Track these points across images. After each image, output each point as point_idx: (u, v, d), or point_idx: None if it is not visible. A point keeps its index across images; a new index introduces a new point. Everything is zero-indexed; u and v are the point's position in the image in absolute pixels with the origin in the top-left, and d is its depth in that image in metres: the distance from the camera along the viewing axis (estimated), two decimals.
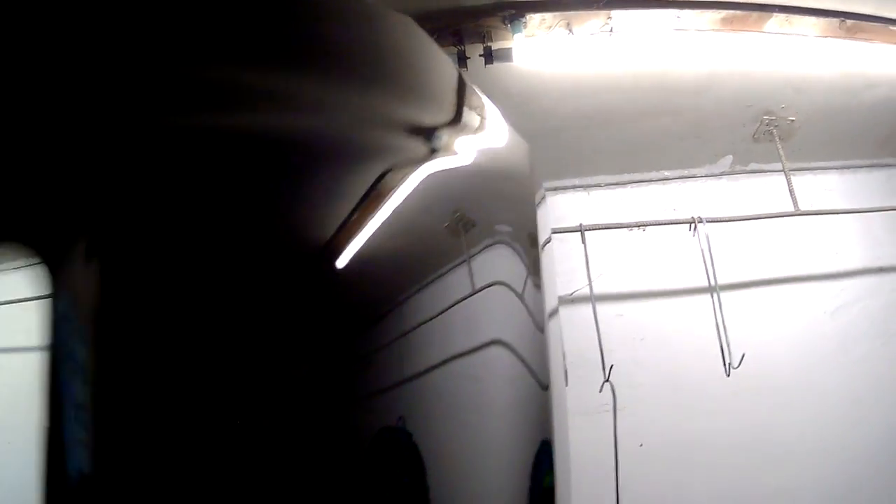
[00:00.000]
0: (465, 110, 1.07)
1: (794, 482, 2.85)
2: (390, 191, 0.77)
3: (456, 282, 0.85)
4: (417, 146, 0.87)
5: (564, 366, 2.53)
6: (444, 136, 0.93)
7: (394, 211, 0.76)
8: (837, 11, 2.43)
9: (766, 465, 2.86)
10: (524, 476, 0.88)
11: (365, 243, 0.70)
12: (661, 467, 2.80)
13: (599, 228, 2.87)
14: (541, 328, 1.01)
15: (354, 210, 0.71)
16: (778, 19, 2.40)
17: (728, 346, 2.57)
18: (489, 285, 0.90)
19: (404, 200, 0.79)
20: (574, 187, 3.23)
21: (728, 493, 2.81)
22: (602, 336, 2.54)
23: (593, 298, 2.60)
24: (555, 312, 1.17)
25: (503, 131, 1.22)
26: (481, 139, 1.07)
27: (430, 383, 0.76)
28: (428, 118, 0.94)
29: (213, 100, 0.65)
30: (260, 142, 0.67)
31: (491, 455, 0.83)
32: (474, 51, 2.30)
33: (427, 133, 0.90)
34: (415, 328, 0.75)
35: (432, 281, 0.81)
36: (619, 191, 3.26)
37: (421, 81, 0.98)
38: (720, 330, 2.58)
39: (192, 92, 0.62)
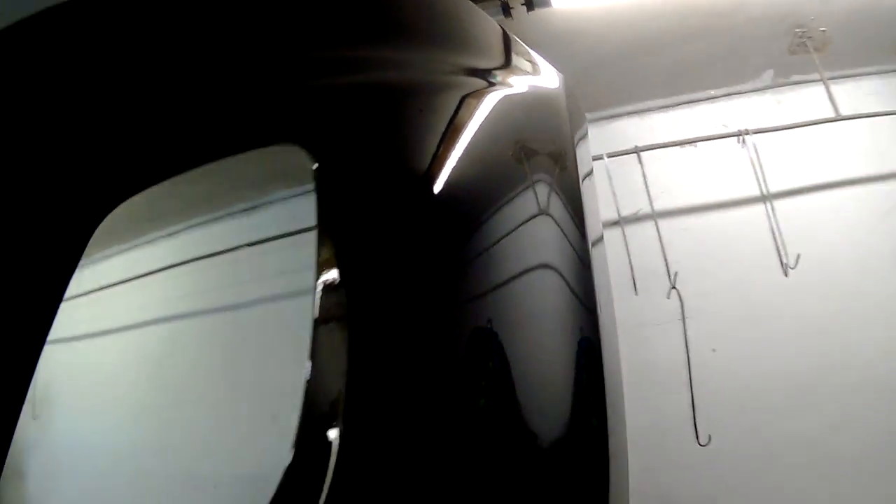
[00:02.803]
0: (512, 55, 1.29)
1: (862, 379, 2.94)
2: (466, 123, 0.98)
3: (520, 205, 1.01)
4: (480, 83, 1.08)
5: (633, 278, 2.73)
6: (498, 75, 1.14)
7: (471, 141, 0.97)
8: None
9: (831, 365, 2.95)
10: (570, 378, 1.04)
11: (454, 170, 0.89)
12: (732, 370, 2.94)
13: (653, 148, 3.05)
14: (583, 256, 1.14)
15: (442, 142, 0.92)
16: None
17: (784, 248, 2.72)
18: (537, 215, 1.05)
19: (477, 132, 0.99)
20: (629, 113, 3.36)
21: (797, 394, 2.92)
22: (667, 250, 2.71)
23: (654, 215, 2.78)
24: (599, 241, 1.34)
25: (542, 68, 1.42)
26: (525, 77, 1.27)
27: (507, 294, 0.91)
28: (484, 64, 1.15)
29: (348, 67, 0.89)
30: (378, 93, 0.90)
31: (552, 359, 0.98)
32: (516, 1, 2.49)
33: (485, 73, 1.12)
34: (493, 245, 0.92)
35: (504, 204, 0.97)
36: (671, 112, 3.38)
37: (476, 38, 1.19)
38: (775, 234, 2.73)
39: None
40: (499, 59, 1.25)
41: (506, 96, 1.12)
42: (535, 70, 1.38)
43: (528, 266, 0.99)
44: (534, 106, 1.27)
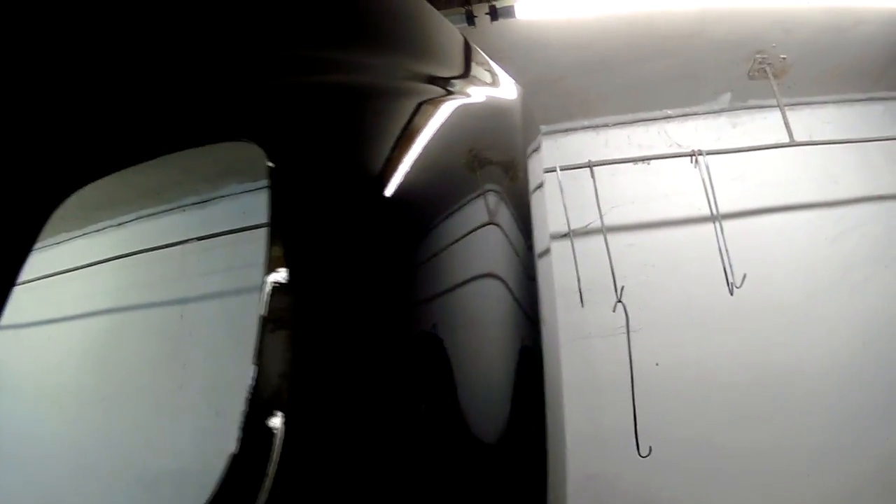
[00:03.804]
0: (472, 65, 1.32)
1: (802, 398, 3.04)
2: (421, 129, 1.00)
3: (470, 213, 1.04)
4: (438, 91, 1.11)
5: (580, 290, 2.76)
6: (456, 84, 1.17)
7: (424, 148, 0.99)
8: None
9: (773, 380, 3.05)
10: (510, 383, 1.07)
11: (405, 175, 0.91)
12: (675, 384, 3.02)
13: (607, 164, 3.07)
14: (529, 268, 1.19)
15: (395, 147, 0.94)
16: None
17: (731, 268, 2.78)
18: (486, 224, 1.08)
19: (431, 139, 1.02)
20: (584, 128, 3.42)
21: (739, 408, 3.01)
22: (615, 264, 2.76)
23: (604, 229, 2.83)
24: (545, 253, 1.38)
25: (501, 79, 1.45)
26: (484, 87, 1.31)
27: (453, 300, 0.93)
28: (444, 72, 1.18)
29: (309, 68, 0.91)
30: (337, 95, 0.92)
31: (493, 364, 1.01)
32: (481, 10, 2.51)
33: (444, 82, 1.14)
34: (441, 251, 0.93)
35: (454, 211, 1.00)
36: (627, 129, 3.45)
37: (438, 46, 1.22)
38: (722, 253, 2.79)
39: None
40: (458, 69, 1.27)
41: (461, 105, 1.14)
42: (494, 81, 1.41)
43: (475, 274, 1.01)
44: (489, 116, 1.29)
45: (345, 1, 0.98)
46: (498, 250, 1.08)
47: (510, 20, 2.53)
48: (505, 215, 1.14)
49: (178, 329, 1.78)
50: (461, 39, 1.34)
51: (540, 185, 1.40)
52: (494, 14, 2.49)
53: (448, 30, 1.31)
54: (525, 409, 1.03)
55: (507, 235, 1.12)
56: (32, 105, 0.61)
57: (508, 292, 1.06)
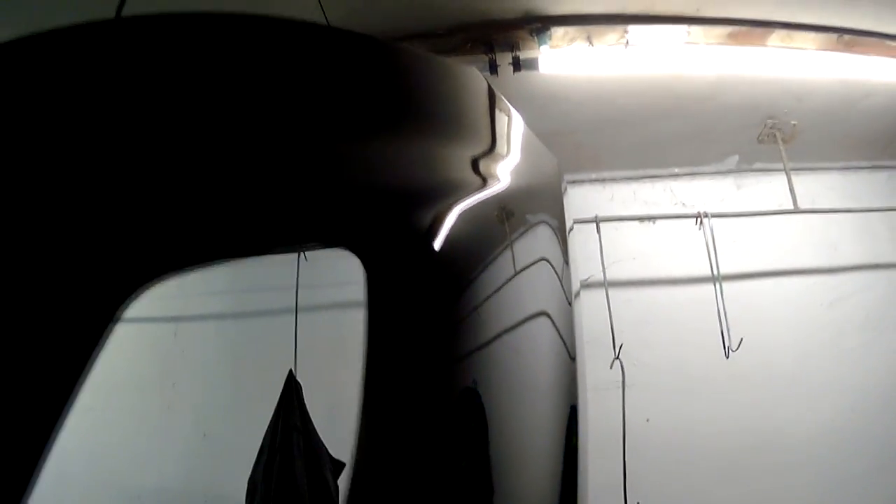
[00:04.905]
0: (514, 142, 1.33)
1: (791, 462, 3.05)
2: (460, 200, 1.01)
3: (508, 259, 1.03)
4: (478, 180, 1.13)
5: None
6: (497, 166, 1.19)
7: (463, 210, 0.99)
8: (835, 27, 2.61)
9: (763, 444, 3.06)
10: (560, 436, 1.04)
11: (448, 232, 0.91)
12: (665, 441, 3.02)
13: (613, 220, 3.10)
14: (570, 304, 1.20)
15: (448, 210, 0.94)
16: (780, 34, 2.59)
17: (728, 331, 2.79)
18: (537, 261, 1.10)
19: (471, 202, 1.03)
20: (591, 181, 3.44)
21: (727, 469, 3.02)
22: (613, 319, 2.77)
23: (606, 284, 2.84)
24: (577, 294, 1.41)
25: (541, 151, 1.47)
26: (526, 160, 1.33)
27: (493, 352, 0.91)
28: (485, 153, 1.19)
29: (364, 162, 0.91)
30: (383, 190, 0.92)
31: (536, 416, 1.00)
32: (504, 59, 2.52)
33: (487, 165, 1.16)
34: (483, 303, 0.92)
35: (494, 258, 1.00)
36: (633, 185, 3.46)
37: (480, 125, 1.23)
38: (721, 316, 2.81)
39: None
40: (511, 150, 1.29)
41: (517, 189, 1.16)
42: (541, 157, 1.43)
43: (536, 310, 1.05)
44: (540, 195, 1.32)
45: (416, 92, 0.98)
46: (545, 290, 1.12)
47: (532, 72, 2.54)
48: (558, 264, 1.18)
49: (171, 346, 1.76)
50: (515, 118, 1.35)
51: (571, 228, 1.47)
52: (517, 65, 2.51)
53: (506, 110, 1.32)
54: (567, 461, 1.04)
55: (562, 285, 1.15)
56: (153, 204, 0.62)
57: (555, 328, 1.09)
